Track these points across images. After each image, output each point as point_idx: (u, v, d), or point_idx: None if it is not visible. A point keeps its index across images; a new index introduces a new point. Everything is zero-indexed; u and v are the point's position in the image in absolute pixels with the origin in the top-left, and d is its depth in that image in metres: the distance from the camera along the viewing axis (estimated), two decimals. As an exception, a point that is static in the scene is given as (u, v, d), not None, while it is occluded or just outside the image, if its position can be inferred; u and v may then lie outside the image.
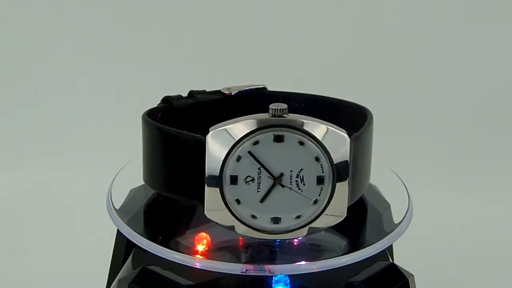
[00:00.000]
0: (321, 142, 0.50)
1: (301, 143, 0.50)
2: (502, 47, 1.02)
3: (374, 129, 0.57)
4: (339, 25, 1.01)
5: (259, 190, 0.51)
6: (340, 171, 0.51)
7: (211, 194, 0.50)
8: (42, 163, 0.98)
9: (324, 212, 0.51)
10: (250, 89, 0.63)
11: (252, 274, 0.51)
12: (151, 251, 0.53)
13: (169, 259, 0.52)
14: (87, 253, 0.81)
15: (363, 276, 0.52)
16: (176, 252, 0.52)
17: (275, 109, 0.50)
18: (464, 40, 1.01)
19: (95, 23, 1.01)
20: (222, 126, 0.50)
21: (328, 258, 0.52)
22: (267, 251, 0.54)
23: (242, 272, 0.51)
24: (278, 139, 0.50)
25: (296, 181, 0.51)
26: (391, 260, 0.60)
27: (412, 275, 0.54)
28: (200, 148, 0.50)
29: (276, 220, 0.51)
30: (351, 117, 0.57)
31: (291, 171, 0.51)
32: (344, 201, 0.52)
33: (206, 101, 0.61)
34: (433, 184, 0.95)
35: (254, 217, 0.51)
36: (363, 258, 0.52)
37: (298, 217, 0.51)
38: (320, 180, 0.51)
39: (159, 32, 1.01)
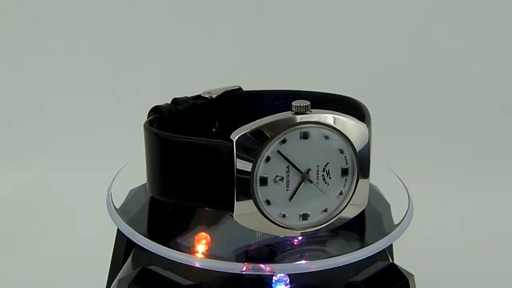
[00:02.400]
0: (345, 135, 0.51)
1: (326, 137, 0.51)
2: (502, 47, 1.02)
3: (375, 129, 0.57)
4: (336, 23, 1.02)
5: (288, 188, 0.51)
6: (363, 161, 0.52)
7: (241, 198, 0.51)
8: (42, 163, 0.98)
9: (349, 203, 0.53)
10: (229, 90, 0.63)
11: (252, 273, 0.51)
12: (152, 250, 0.53)
13: (170, 258, 0.52)
14: (87, 253, 0.81)
15: (363, 276, 0.52)
16: (176, 251, 0.52)
17: (298, 106, 0.51)
18: (465, 40, 1.01)
19: (98, 24, 1.01)
20: (247, 129, 0.50)
21: (328, 258, 0.52)
22: (267, 250, 0.54)
23: (241, 271, 0.51)
24: (305, 135, 0.51)
25: (323, 175, 0.52)
26: (391, 260, 0.60)
27: (412, 275, 0.54)
28: (226, 154, 0.50)
29: (305, 217, 0.52)
30: (338, 110, 0.57)
31: (317, 166, 0.51)
32: (366, 190, 0.53)
33: (194, 106, 0.60)
34: (433, 184, 0.95)
35: (284, 216, 0.52)
36: (362, 258, 0.53)
37: (325, 210, 0.52)
38: (344, 172, 0.52)
39: (157, 33, 1.01)
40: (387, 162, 0.61)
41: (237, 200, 0.51)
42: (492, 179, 0.97)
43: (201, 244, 0.54)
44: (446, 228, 0.90)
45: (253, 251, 0.54)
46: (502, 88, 1.01)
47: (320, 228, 0.53)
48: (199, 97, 0.61)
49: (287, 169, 0.51)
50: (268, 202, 0.51)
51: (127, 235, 0.55)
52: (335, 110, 0.53)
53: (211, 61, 1.00)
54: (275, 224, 0.52)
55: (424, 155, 0.99)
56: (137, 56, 1.01)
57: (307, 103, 0.51)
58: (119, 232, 0.61)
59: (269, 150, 0.50)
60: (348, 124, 0.52)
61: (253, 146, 0.50)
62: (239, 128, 0.50)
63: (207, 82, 0.65)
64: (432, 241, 0.87)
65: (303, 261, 0.52)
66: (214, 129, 0.62)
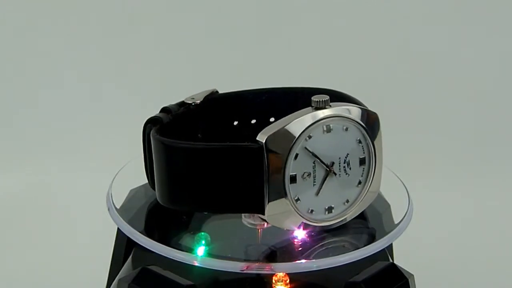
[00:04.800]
0: (362, 125, 0.53)
1: (346, 129, 0.52)
2: (502, 46, 1.02)
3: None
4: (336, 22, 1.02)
5: (314, 183, 0.52)
6: (378, 148, 0.53)
7: (273, 198, 0.51)
8: (42, 163, 0.98)
9: (367, 191, 0.54)
10: (208, 94, 0.62)
11: (252, 272, 0.51)
12: (152, 250, 0.53)
13: (170, 257, 0.52)
14: (87, 253, 0.81)
15: (363, 276, 0.52)
16: (176, 250, 0.52)
17: (318, 101, 0.52)
18: (464, 40, 1.01)
19: (98, 24, 1.01)
20: (275, 129, 0.51)
21: (328, 257, 0.52)
22: (267, 249, 0.54)
23: (241, 270, 0.51)
24: (328, 129, 0.52)
25: (344, 167, 0.53)
26: (391, 260, 0.60)
27: (412, 275, 0.54)
28: (254, 156, 0.50)
29: (329, 210, 0.53)
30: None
31: (339, 158, 0.52)
32: (380, 176, 0.54)
33: (182, 113, 0.60)
34: (433, 184, 0.95)
35: (312, 211, 0.53)
36: (362, 257, 0.53)
37: (346, 201, 0.54)
38: (362, 161, 0.53)
39: (155, 35, 1.02)
40: (387, 162, 0.61)
41: (269, 201, 0.51)
42: (493, 179, 0.97)
43: (201, 243, 0.54)
44: (446, 228, 0.90)
45: (253, 250, 0.55)
46: (503, 86, 1.01)
47: (344, 219, 0.54)
48: (184, 103, 0.61)
49: (313, 164, 0.52)
50: (297, 200, 0.52)
51: (127, 234, 0.55)
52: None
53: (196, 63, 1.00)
54: (308, 220, 0.52)
55: (424, 154, 0.99)
56: (136, 56, 1.01)
57: (327, 97, 0.52)
58: (119, 232, 0.61)
59: (298, 147, 0.51)
60: (363, 113, 0.53)
61: (282, 145, 0.50)
62: (265, 129, 0.51)
63: (194, 86, 0.65)
64: (432, 241, 0.87)
65: (303, 260, 0.52)
66: (199, 135, 0.62)
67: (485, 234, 0.89)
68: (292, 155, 0.51)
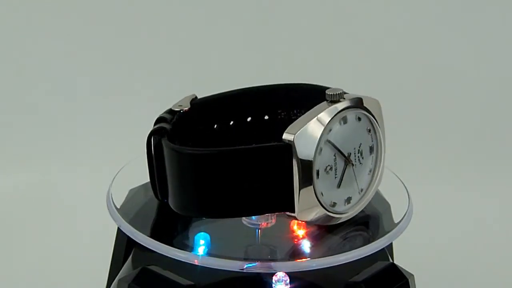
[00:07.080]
0: (372, 113, 0.54)
1: (359, 119, 0.53)
2: (503, 47, 1.02)
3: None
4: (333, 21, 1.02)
5: (336, 176, 0.53)
6: (383, 135, 0.55)
7: (303, 194, 0.51)
8: (42, 163, 0.98)
9: (377, 178, 0.55)
10: (191, 100, 0.62)
11: (251, 271, 0.51)
12: (153, 249, 0.53)
13: (170, 256, 0.52)
14: (87, 253, 0.81)
15: (363, 276, 0.53)
16: (176, 249, 0.52)
17: (332, 94, 0.52)
18: (465, 40, 1.01)
19: (97, 24, 1.01)
20: (301, 126, 0.51)
21: (328, 256, 0.52)
22: (267, 249, 0.54)
23: (241, 269, 0.51)
24: (344, 121, 0.53)
25: (358, 156, 0.54)
26: (391, 260, 0.60)
27: (412, 275, 0.54)
28: (282, 155, 0.51)
29: (348, 200, 0.54)
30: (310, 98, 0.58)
31: (354, 148, 0.53)
32: (384, 161, 0.55)
33: (177, 120, 0.60)
34: (433, 184, 0.95)
35: (334, 204, 0.53)
36: (362, 257, 0.53)
37: (361, 190, 0.55)
38: (371, 149, 0.55)
39: (153, 35, 1.02)
40: (387, 162, 0.61)
41: (299, 198, 0.51)
42: (493, 179, 0.97)
43: (201, 243, 0.54)
44: (447, 228, 0.90)
45: (253, 250, 0.55)
46: (504, 88, 1.01)
47: (359, 208, 0.55)
48: (173, 111, 0.60)
49: (334, 157, 0.52)
50: (321, 193, 0.52)
51: (128, 234, 0.55)
52: (306, 99, 0.55)
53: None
54: (331, 213, 0.53)
55: (424, 154, 0.99)
56: (136, 56, 1.01)
57: (341, 90, 0.52)
58: (119, 232, 0.61)
59: (322, 142, 0.51)
60: (369, 101, 0.54)
61: (309, 141, 0.51)
62: (289, 127, 0.51)
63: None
64: (432, 241, 0.87)
65: (303, 260, 0.52)
66: (190, 143, 0.61)
67: (485, 234, 0.89)
68: (318, 150, 0.51)
